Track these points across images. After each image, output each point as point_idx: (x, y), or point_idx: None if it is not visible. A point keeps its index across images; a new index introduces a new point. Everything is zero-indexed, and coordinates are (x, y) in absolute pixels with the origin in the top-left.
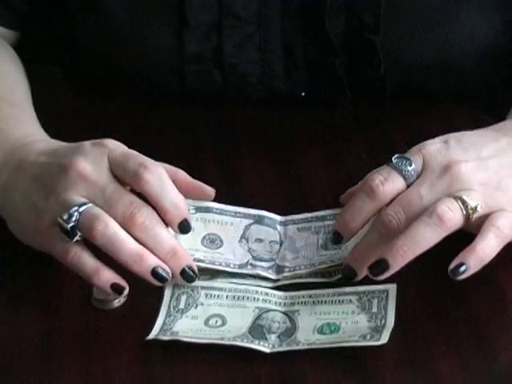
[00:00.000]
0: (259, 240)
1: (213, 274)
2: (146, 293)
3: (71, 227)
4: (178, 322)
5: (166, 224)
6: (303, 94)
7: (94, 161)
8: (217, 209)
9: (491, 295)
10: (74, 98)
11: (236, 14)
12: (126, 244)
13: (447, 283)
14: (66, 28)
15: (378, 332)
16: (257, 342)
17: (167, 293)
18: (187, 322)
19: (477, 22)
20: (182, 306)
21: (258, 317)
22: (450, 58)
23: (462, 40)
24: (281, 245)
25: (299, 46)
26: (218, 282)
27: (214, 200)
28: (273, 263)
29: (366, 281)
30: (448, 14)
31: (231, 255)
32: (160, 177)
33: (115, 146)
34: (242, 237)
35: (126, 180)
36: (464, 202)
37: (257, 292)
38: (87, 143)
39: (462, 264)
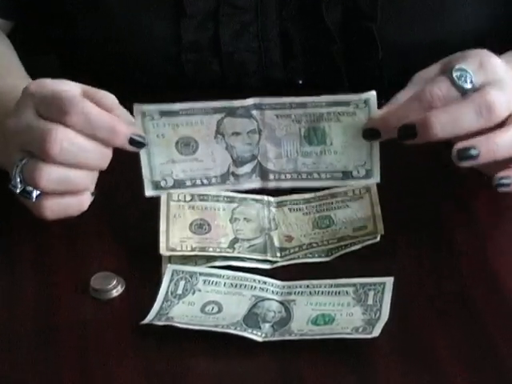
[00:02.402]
0: (236, 133)
1: (208, 258)
2: (144, 282)
3: (21, 191)
4: (174, 308)
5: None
6: (300, 81)
7: (18, 112)
8: (183, 110)
9: (491, 285)
10: None
11: (233, 3)
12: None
13: (447, 273)
14: (65, 26)
15: (371, 325)
16: (250, 330)
17: (166, 278)
18: (183, 307)
19: (475, 5)
20: (179, 291)
21: (254, 305)
22: (447, 43)
23: (460, 24)
24: (260, 133)
25: (296, 35)
26: (216, 269)
27: None
28: (255, 163)
29: (363, 273)
30: None
31: (210, 160)
32: (83, 115)
33: (37, 89)
34: (217, 132)
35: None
36: None
37: (254, 280)
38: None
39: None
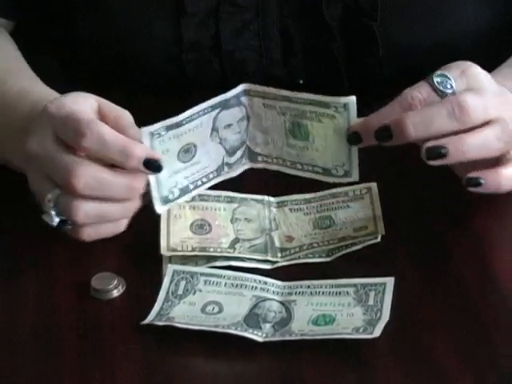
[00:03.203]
0: (228, 125)
1: (209, 258)
2: (144, 283)
3: (58, 223)
4: (174, 308)
5: None
6: (301, 81)
7: (38, 135)
8: (186, 118)
9: (491, 286)
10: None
11: (233, 1)
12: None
13: (447, 273)
14: (65, 26)
15: (372, 325)
16: (250, 330)
17: (166, 278)
18: (184, 307)
19: (475, 5)
20: (180, 291)
21: (255, 305)
22: (447, 42)
23: (460, 24)
24: (248, 120)
25: (297, 33)
26: (217, 269)
27: None
28: (244, 147)
29: (363, 274)
30: None
31: (206, 158)
32: (98, 138)
33: (55, 110)
34: (213, 129)
35: (70, 145)
36: None
37: (255, 280)
38: (37, 117)
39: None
